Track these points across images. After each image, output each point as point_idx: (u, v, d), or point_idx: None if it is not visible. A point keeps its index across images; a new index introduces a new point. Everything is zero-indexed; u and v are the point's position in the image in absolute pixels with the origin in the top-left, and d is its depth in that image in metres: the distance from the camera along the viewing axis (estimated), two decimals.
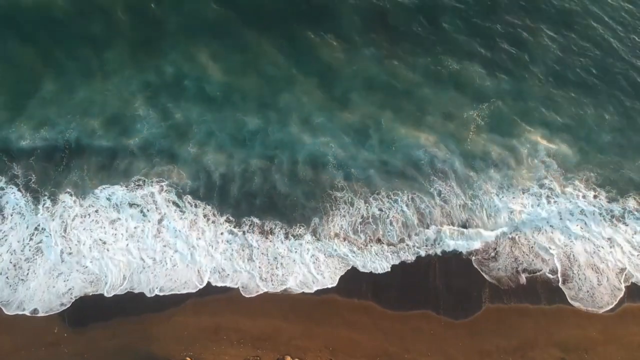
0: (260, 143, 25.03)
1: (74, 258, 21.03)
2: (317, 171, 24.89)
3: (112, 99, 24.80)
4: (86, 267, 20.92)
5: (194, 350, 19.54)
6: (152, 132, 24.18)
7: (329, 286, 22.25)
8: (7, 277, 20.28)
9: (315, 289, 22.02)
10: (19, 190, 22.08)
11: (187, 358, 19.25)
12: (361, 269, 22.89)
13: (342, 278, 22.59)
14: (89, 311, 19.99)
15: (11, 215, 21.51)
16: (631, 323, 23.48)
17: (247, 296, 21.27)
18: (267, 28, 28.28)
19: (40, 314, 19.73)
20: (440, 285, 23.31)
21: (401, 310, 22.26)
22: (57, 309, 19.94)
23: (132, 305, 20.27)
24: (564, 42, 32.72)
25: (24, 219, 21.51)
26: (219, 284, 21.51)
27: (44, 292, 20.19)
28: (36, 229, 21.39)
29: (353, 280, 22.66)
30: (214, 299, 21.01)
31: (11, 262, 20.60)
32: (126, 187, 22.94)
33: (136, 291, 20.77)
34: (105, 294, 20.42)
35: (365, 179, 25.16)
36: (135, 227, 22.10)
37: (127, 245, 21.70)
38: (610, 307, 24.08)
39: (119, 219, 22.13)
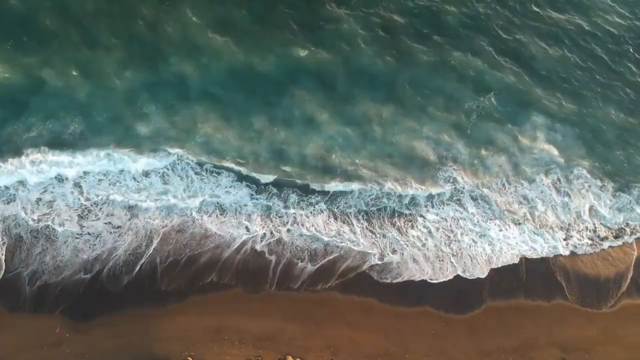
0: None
1: (97, 222, 21.18)
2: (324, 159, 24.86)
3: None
4: (116, 226, 21.14)
5: (196, 350, 19.59)
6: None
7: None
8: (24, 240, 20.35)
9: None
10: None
11: (189, 358, 19.32)
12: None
13: (342, 274, 22.57)
14: (91, 311, 19.92)
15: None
16: (631, 322, 23.62)
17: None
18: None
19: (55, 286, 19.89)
20: (441, 284, 23.34)
21: (402, 306, 22.31)
22: (79, 278, 20.11)
23: (134, 304, 20.20)
24: (567, 36, 32.40)
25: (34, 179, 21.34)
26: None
27: (63, 256, 20.36)
28: (44, 191, 21.21)
29: (354, 277, 22.66)
30: (216, 297, 20.96)
31: (25, 218, 20.63)
32: (142, 154, 22.75)
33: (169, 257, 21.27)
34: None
35: (372, 168, 25.12)
36: (161, 191, 22.22)
37: (155, 205, 22.00)
38: (611, 303, 24.29)
39: (139, 184, 22.19)
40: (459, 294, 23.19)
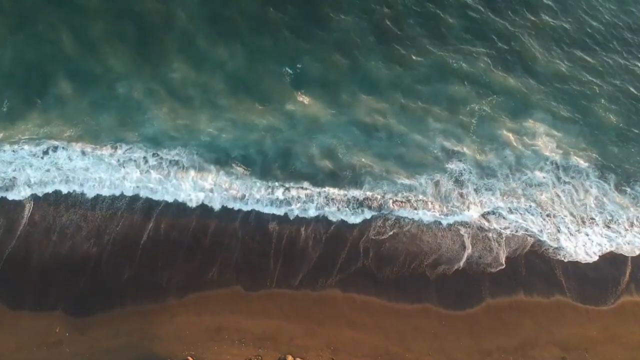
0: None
1: None
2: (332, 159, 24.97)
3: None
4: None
5: (196, 349, 19.58)
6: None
7: None
8: None
9: None
10: None
11: (189, 357, 19.31)
12: None
13: (342, 270, 22.52)
14: (91, 309, 19.89)
15: None
16: (631, 321, 23.68)
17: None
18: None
19: None
20: (440, 280, 23.31)
21: (402, 303, 22.29)
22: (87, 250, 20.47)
23: (134, 304, 20.18)
24: (568, 37, 32.39)
25: None
26: None
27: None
28: None
29: (355, 274, 22.65)
30: (216, 296, 20.89)
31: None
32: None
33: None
34: None
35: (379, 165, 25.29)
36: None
37: None
38: (610, 300, 24.35)
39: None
40: (459, 291, 23.19)
